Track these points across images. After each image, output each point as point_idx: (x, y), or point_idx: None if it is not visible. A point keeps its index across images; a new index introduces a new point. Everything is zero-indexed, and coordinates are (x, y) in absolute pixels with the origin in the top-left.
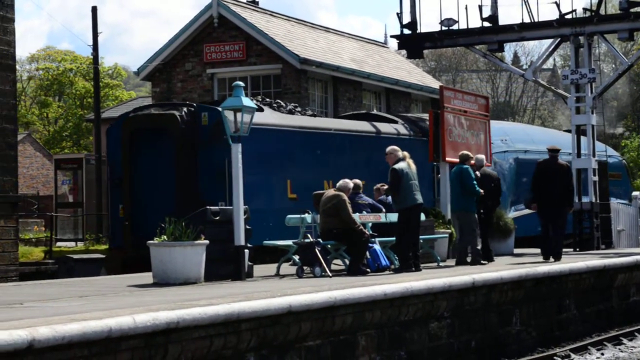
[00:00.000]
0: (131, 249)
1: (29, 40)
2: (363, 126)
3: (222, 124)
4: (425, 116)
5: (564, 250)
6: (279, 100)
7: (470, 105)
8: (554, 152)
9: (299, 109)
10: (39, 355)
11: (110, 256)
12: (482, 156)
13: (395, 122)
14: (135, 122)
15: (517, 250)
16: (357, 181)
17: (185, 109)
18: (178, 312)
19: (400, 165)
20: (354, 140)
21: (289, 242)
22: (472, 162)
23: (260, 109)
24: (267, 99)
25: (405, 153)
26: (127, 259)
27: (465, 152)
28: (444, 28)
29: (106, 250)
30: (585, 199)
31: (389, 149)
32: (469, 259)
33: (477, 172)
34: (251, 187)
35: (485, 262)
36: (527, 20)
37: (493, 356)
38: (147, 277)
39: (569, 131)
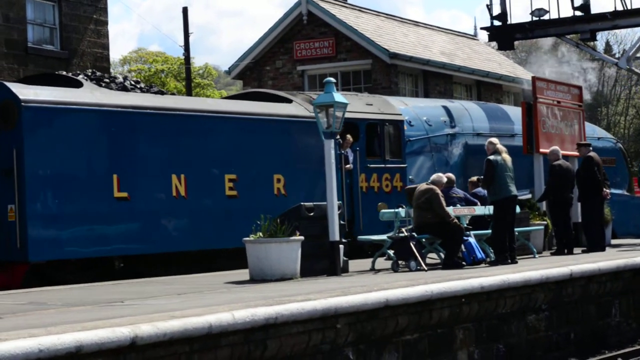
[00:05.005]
0: None
1: (120, 42)
2: (238, 106)
3: (13, 105)
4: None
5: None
6: (118, 75)
7: (563, 95)
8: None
9: (141, 85)
10: (141, 352)
11: None
12: (557, 148)
13: (290, 101)
14: None
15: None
16: (451, 175)
17: None
18: (276, 307)
19: (495, 156)
20: (222, 124)
21: (384, 237)
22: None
23: (79, 84)
24: (98, 73)
25: (501, 146)
26: None
27: None
28: (534, 18)
29: None
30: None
31: (488, 140)
32: None
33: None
34: (57, 184)
35: None
36: (619, 7)
37: (593, 348)
38: (243, 274)
39: None
